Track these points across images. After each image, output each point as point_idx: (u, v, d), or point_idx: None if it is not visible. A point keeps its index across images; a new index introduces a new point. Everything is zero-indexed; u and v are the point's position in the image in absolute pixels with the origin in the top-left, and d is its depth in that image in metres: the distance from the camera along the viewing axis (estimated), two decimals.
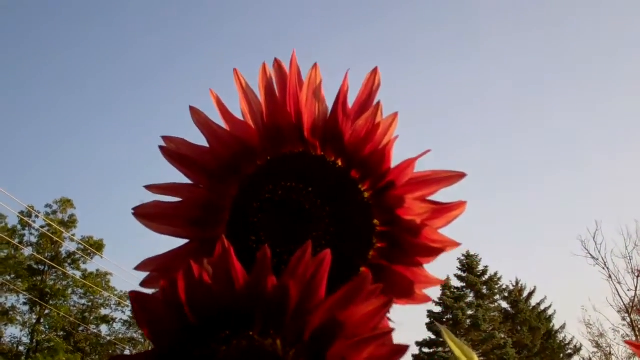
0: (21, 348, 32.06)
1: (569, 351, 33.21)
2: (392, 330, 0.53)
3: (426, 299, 0.72)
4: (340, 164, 0.75)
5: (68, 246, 32.80)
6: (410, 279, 0.72)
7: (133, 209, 0.76)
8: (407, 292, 0.72)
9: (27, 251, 32.60)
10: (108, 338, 34.84)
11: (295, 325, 0.55)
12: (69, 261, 32.85)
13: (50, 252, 32.29)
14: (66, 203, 32.95)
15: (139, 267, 0.76)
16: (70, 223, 32.91)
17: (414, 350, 31.35)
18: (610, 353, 28.23)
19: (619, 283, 26.80)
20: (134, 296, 0.58)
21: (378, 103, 0.71)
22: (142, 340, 35.42)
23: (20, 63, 48.25)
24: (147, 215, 0.77)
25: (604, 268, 26.79)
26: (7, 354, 30.50)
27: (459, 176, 0.71)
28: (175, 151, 0.77)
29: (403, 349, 0.52)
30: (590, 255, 26.95)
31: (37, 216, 31.73)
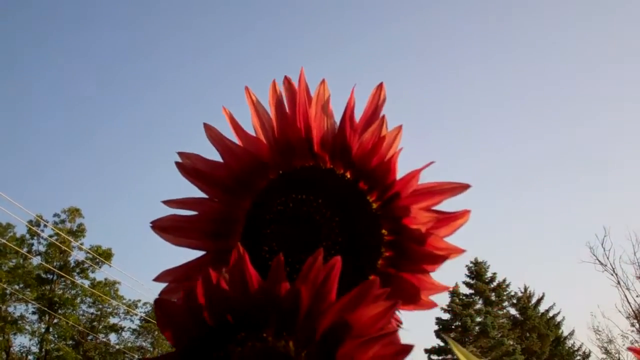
0: (30, 357, 32.14)
1: (578, 357, 33.11)
2: (397, 330, 0.56)
3: (432, 305, 0.75)
4: (349, 176, 0.78)
5: (76, 255, 32.90)
6: (417, 286, 0.74)
7: (151, 222, 0.80)
8: (413, 299, 0.74)
9: (36, 260, 32.70)
10: (117, 347, 34.84)
11: (307, 327, 0.58)
12: (78, 270, 32.92)
13: (59, 261, 32.36)
14: (74, 212, 33.04)
15: (157, 279, 0.79)
16: (78, 232, 33.01)
17: (423, 358, 31.30)
18: (619, 359, 28.12)
19: (628, 289, 26.65)
20: (158, 303, 0.61)
21: (383, 117, 0.74)
22: (151, 349, 35.43)
23: (27, 71, 48.41)
24: (164, 228, 0.80)
25: (612, 274, 26.68)
26: None
27: (462, 187, 0.73)
28: (191, 167, 0.80)
29: (408, 348, 0.55)
30: (599, 261, 26.86)
31: (45, 225, 31.82)
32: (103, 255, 31.80)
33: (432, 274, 0.75)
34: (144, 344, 36.06)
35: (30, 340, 32.36)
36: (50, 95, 48.92)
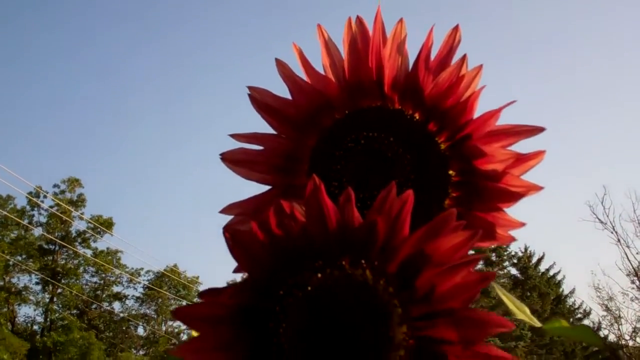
0: (35, 327, 32.50)
1: (579, 315, 33.36)
2: (482, 257, 0.56)
3: (510, 239, 0.76)
4: (417, 117, 0.78)
5: (78, 225, 33.04)
6: (492, 222, 0.75)
7: (221, 154, 0.81)
8: (489, 235, 0.75)
9: (37, 231, 32.87)
10: (121, 315, 35.20)
11: (384, 256, 0.58)
12: (79, 240, 33.12)
13: (60, 231, 32.56)
14: (74, 182, 33.12)
15: (224, 210, 0.80)
16: (79, 202, 33.09)
17: None
18: (619, 316, 28.28)
19: (628, 247, 26.72)
20: (230, 231, 0.61)
21: (464, 55, 0.74)
22: (155, 316, 35.75)
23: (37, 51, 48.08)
24: (234, 160, 0.81)
25: (612, 232, 26.79)
26: (22, 333, 30.81)
27: (538, 130, 0.73)
28: (262, 101, 0.81)
29: (491, 275, 0.56)
30: (599, 219, 26.93)
31: (45, 196, 31.91)
32: (104, 225, 31.95)
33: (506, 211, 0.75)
34: (147, 311, 36.42)
35: (34, 310, 32.80)
36: (46, 60, 48.67)
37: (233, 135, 0.81)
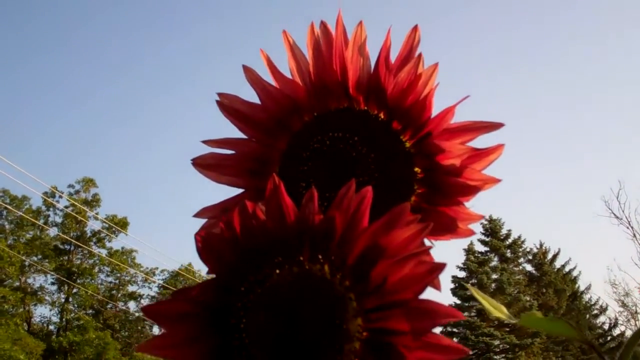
0: (51, 327, 32.70)
1: (595, 311, 33.14)
2: (430, 247, 0.58)
3: (470, 233, 0.78)
4: (382, 116, 0.80)
5: (93, 225, 33.17)
6: (452, 217, 0.77)
7: (192, 159, 0.83)
8: (450, 228, 0.77)
9: (53, 231, 33.04)
10: (136, 314, 35.26)
11: (341, 251, 0.61)
12: (94, 240, 33.23)
13: (76, 231, 32.68)
14: (89, 182, 33.22)
15: (198, 214, 0.83)
16: (94, 202, 33.20)
17: None
18: (636, 312, 28.14)
19: None
20: (200, 234, 0.64)
21: (420, 55, 0.76)
22: None
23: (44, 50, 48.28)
24: (205, 165, 0.84)
25: (628, 227, 26.52)
26: (38, 333, 31.02)
27: (496, 126, 0.76)
28: (230, 106, 0.83)
29: (440, 266, 0.57)
30: (614, 214, 26.60)
31: (60, 196, 32.03)
32: (119, 224, 32.03)
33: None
34: None
35: (50, 310, 32.97)
36: (61, 61, 48.84)
37: (206, 142, 0.83)
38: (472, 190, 0.76)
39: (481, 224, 32.01)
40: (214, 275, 0.65)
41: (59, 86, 48.15)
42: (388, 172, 0.78)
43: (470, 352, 0.59)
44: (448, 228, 0.77)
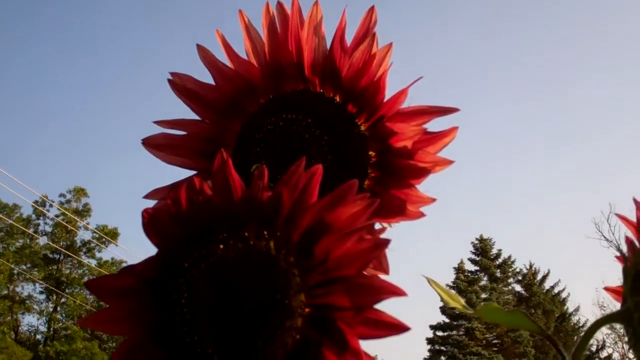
0: (39, 336, 32.40)
1: (583, 333, 33.06)
2: (373, 223, 0.58)
3: (419, 215, 0.76)
4: (338, 99, 0.79)
5: (83, 235, 33.03)
6: (403, 199, 0.76)
7: (142, 139, 0.81)
8: (400, 211, 0.76)
9: (42, 240, 32.84)
10: None
11: (287, 228, 0.60)
12: (84, 250, 33.04)
13: (65, 241, 32.50)
14: (80, 192, 33.08)
15: (148, 196, 0.81)
16: (84, 212, 33.08)
17: (428, 333, 31.47)
18: (624, 334, 28.09)
19: None
20: (146, 211, 0.63)
21: (374, 34, 0.75)
22: None
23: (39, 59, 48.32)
24: (156, 145, 0.82)
25: (618, 250, 26.55)
26: (25, 342, 30.76)
27: (450, 110, 0.75)
28: (182, 85, 0.81)
29: (384, 242, 0.56)
30: (604, 237, 26.76)
31: (51, 205, 31.91)
32: (109, 235, 31.89)
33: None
34: None
35: (38, 319, 32.69)
36: (53, 68, 48.86)
37: (158, 122, 0.82)
38: (423, 173, 0.75)
39: (472, 243, 32.15)
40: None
41: (52, 93, 48.09)
42: (341, 154, 0.77)
43: (411, 329, 0.58)
44: (398, 210, 0.76)
